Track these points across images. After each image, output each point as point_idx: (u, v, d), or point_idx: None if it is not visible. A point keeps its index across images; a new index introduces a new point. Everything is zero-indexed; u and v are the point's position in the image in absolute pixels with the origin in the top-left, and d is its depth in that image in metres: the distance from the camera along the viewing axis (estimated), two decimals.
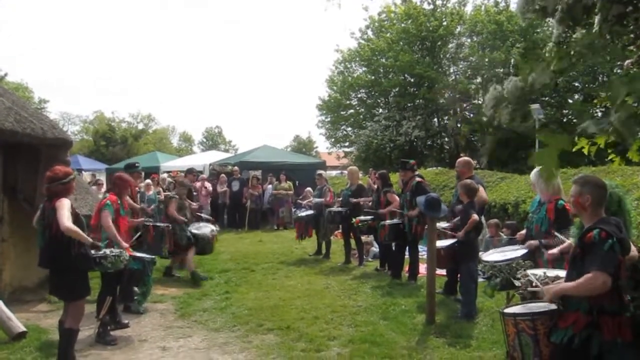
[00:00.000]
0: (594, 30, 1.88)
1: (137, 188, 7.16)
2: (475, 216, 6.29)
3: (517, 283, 4.45)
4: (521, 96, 1.99)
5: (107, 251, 5.36)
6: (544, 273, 4.26)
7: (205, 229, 8.85)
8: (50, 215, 4.68)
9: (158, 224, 8.29)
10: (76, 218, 4.79)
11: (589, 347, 2.97)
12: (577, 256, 3.15)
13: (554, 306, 3.36)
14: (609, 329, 2.95)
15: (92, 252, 5.09)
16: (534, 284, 3.89)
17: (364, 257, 10.03)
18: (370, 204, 9.69)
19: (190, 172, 12.14)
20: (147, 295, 6.77)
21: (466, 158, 7.67)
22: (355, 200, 9.72)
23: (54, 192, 4.75)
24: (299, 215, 11.15)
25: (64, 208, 4.65)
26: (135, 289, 6.57)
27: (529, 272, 4.40)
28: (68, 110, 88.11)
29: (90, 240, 4.89)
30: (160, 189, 13.12)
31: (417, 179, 8.22)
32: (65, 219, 4.58)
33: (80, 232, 4.72)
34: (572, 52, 2.03)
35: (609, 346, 2.95)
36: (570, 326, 3.06)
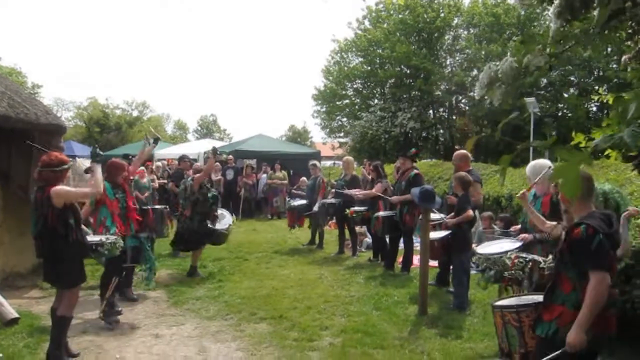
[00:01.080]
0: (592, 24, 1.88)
1: (130, 177, 7.11)
2: (470, 212, 6.31)
3: (507, 262, 4.50)
4: (515, 77, 1.98)
5: (103, 238, 5.34)
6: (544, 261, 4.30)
7: (223, 221, 8.46)
8: (44, 206, 4.55)
9: (156, 206, 8.29)
10: (71, 206, 4.74)
11: None
12: (563, 251, 3.11)
13: (539, 298, 3.37)
14: (594, 324, 2.89)
15: (89, 239, 5.08)
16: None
17: (358, 247, 10.06)
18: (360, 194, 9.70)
19: (183, 160, 11.77)
20: (154, 270, 6.76)
21: (463, 151, 7.50)
22: (346, 191, 9.61)
23: (44, 178, 4.64)
24: (292, 204, 11.16)
25: (66, 190, 4.65)
26: (137, 272, 6.55)
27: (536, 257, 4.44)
28: (62, 96, 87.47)
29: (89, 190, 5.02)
30: (154, 177, 13.09)
31: (415, 170, 8.17)
32: (77, 191, 4.79)
33: (88, 190, 4.94)
34: (568, 36, 2.04)
35: (595, 340, 2.92)
36: (554, 319, 3.03)
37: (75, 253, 4.73)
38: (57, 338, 4.71)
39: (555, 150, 1.29)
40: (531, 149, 16.97)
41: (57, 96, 68.17)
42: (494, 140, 22.02)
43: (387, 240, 8.76)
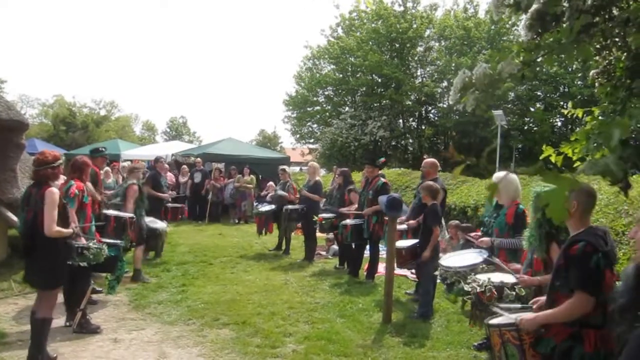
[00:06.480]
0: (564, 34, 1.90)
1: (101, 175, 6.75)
2: (437, 231, 6.31)
3: (467, 288, 4.49)
4: (489, 83, 1.99)
5: (90, 243, 5.23)
6: (489, 279, 4.30)
7: (159, 224, 8.38)
8: (37, 204, 4.51)
9: (120, 214, 7.85)
10: (62, 209, 4.68)
11: (570, 358, 2.94)
12: (560, 267, 3.06)
13: (530, 314, 3.31)
14: (590, 342, 2.90)
15: (74, 242, 5.02)
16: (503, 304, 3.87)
17: (324, 254, 10.04)
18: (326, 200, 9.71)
19: (159, 161, 10.84)
20: (120, 279, 6.51)
21: (433, 159, 7.59)
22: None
23: (42, 175, 4.63)
24: (260, 210, 11.04)
25: (54, 206, 4.51)
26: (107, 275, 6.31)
27: (478, 276, 4.46)
28: (27, 92, 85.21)
29: (72, 230, 4.87)
30: (120, 177, 12.79)
31: (383, 179, 8.20)
32: (53, 223, 4.48)
33: (64, 230, 4.63)
34: (540, 45, 2.05)
35: (591, 357, 2.91)
36: (552, 337, 3.04)
37: (59, 254, 4.66)
38: (38, 342, 4.60)
39: (543, 175, 1.29)
40: (497, 161, 17.26)
41: (22, 92, 66.61)
42: (466, 154, 22.36)
43: (353, 245, 8.72)
